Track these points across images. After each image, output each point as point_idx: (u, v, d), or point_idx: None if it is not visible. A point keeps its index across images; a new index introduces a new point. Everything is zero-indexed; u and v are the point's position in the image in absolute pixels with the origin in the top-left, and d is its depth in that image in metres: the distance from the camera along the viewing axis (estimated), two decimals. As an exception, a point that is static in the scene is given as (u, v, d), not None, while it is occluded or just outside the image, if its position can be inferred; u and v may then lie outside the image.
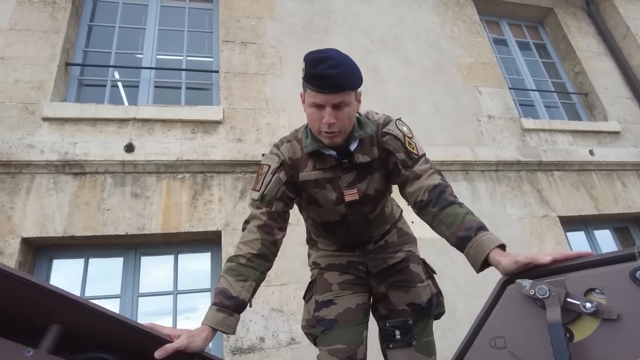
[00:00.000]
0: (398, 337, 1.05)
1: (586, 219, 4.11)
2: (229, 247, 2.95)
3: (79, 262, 2.93)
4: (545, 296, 0.82)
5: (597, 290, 0.81)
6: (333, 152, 1.31)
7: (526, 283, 0.87)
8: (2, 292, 0.78)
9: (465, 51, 4.48)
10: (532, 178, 4.00)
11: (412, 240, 1.57)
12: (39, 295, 0.79)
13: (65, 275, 2.95)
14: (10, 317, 0.81)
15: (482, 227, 1.11)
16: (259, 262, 1.21)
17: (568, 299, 0.82)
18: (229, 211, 3.06)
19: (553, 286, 0.83)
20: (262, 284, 1.25)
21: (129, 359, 0.92)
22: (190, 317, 3.06)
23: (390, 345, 1.07)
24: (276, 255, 1.28)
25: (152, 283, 3.04)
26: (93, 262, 2.96)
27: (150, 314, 3.01)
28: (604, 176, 4.25)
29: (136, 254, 3.03)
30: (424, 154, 1.32)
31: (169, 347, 0.95)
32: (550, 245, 3.75)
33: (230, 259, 1.21)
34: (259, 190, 1.29)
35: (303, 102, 1.28)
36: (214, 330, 1.08)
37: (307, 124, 1.36)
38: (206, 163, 3.12)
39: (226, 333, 1.10)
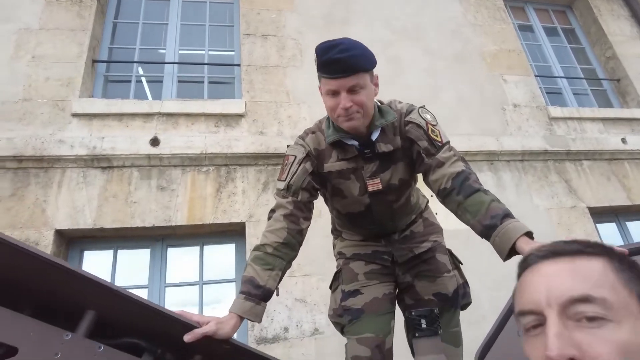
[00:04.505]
0: (424, 326, 1.04)
1: (618, 210, 3.97)
2: (253, 238, 2.99)
3: (108, 254, 3.02)
4: None
5: None
6: (355, 142, 1.31)
7: None
8: (42, 278, 0.81)
9: (490, 39, 4.37)
10: (560, 168, 3.89)
11: (438, 230, 1.56)
12: (75, 282, 0.82)
13: (95, 266, 3.04)
14: (50, 303, 0.85)
15: (508, 215, 1.09)
16: (285, 251, 1.22)
17: None
18: (252, 203, 3.10)
19: None
20: (285, 275, 1.27)
21: (159, 344, 0.95)
22: (215, 307, 3.12)
23: (417, 335, 1.06)
24: (301, 245, 1.29)
25: (178, 274, 3.11)
26: (121, 253, 3.05)
27: (177, 304, 3.08)
28: (638, 165, 4.09)
29: (163, 245, 3.10)
30: (448, 142, 1.29)
31: (197, 332, 0.97)
32: (579, 237, 3.65)
33: (256, 248, 1.22)
34: (284, 180, 1.29)
35: (322, 93, 1.28)
36: (242, 318, 1.10)
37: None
38: (229, 156, 3.16)
39: (253, 321, 1.12)
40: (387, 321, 1.37)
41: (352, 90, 1.18)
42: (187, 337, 0.95)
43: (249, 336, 2.80)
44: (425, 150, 1.27)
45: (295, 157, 1.31)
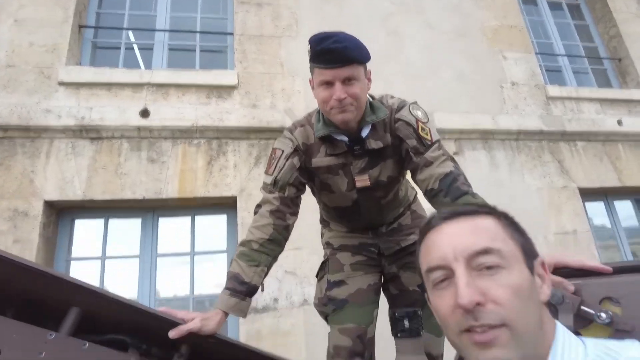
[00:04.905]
0: (407, 326, 1.06)
1: (608, 190, 4.00)
2: (244, 212, 2.99)
3: (99, 222, 3.03)
4: (559, 303, 0.78)
5: (614, 300, 0.78)
6: (344, 138, 1.29)
7: None
8: (22, 283, 0.81)
9: (491, 13, 4.23)
10: (554, 148, 3.88)
11: None
12: (57, 285, 0.82)
13: (86, 234, 3.06)
14: (33, 304, 0.85)
15: (467, 192, 1.13)
16: (271, 247, 1.22)
17: (582, 307, 0.78)
18: (243, 177, 3.08)
19: (567, 291, 0.81)
20: None
21: (145, 339, 0.96)
22: (206, 278, 3.16)
23: (399, 335, 1.08)
24: (287, 239, 1.29)
25: (170, 244, 3.13)
26: (113, 222, 3.06)
27: (169, 275, 3.12)
28: (631, 147, 4.09)
29: (154, 216, 3.11)
30: (438, 140, 1.27)
31: (182, 328, 0.98)
32: (568, 216, 3.70)
33: (242, 244, 1.23)
34: (272, 175, 1.28)
35: (312, 87, 1.25)
36: (227, 314, 1.11)
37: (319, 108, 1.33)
38: (221, 129, 3.11)
39: (238, 316, 1.13)
40: (369, 312, 1.39)
41: (346, 82, 1.15)
42: (172, 334, 0.97)
43: (238, 307, 2.86)
44: (414, 148, 1.24)
45: (283, 151, 1.29)
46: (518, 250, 0.60)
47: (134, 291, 2.99)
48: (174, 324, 0.97)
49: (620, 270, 0.81)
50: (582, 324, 0.77)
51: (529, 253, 0.61)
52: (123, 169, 2.91)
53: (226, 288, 1.14)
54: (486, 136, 3.71)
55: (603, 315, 0.76)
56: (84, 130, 2.88)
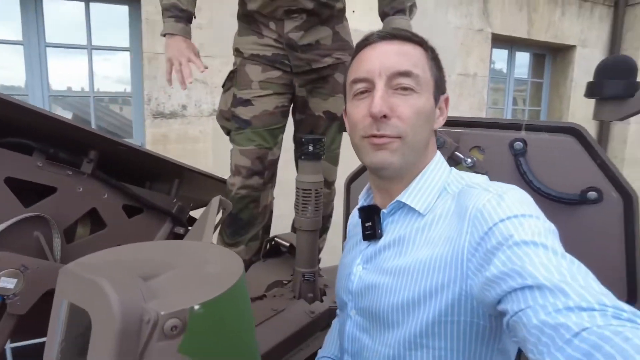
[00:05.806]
0: (310, 150, 1.16)
1: (515, 40, 4.24)
2: (150, 6, 2.65)
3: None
4: (440, 146, 0.94)
5: (481, 148, 0.95)
6: None
7: None
8: None
9: None
10: (484, -13, 3.84)
11: (347, 48, 1.46)
12: None
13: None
14: None
15: (403, 10, 1.32)
16: None
17: (456, 152, 0.95)
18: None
19: (449, 137, 0.95)
20: None
21: (51, 144, 0.91)
22: (108, 75, 2.96)
23: (302, 157, 1.17)
24: None
25: (61, 34, 2.76)
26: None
27: (63, 68, 2.85)
28: (549, 2, 4.21)
29: (35, -6, 2.63)
30: None
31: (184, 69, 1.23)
32: (474, 60, 3.94)
33: None
34: None
35: None
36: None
37: None
38: None
39: (187, 39, 1.28)
40: (273, 135, 1.40)
41: None
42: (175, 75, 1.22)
43: (145, 110, 2.79)
44: None
45: None
46: (432, 82, 0.67)
47: (21, 82, 2.71)
48: (78, 129, 0.92)
49: (493, 125, 0.97)
50: (452, 165, 0.95)
51: (440, 87, 0.70)
52: None
53: (169, 17, 1.25)
54: (423, -38, 3.48)
55: (469, 160, 0.95)
56: None
